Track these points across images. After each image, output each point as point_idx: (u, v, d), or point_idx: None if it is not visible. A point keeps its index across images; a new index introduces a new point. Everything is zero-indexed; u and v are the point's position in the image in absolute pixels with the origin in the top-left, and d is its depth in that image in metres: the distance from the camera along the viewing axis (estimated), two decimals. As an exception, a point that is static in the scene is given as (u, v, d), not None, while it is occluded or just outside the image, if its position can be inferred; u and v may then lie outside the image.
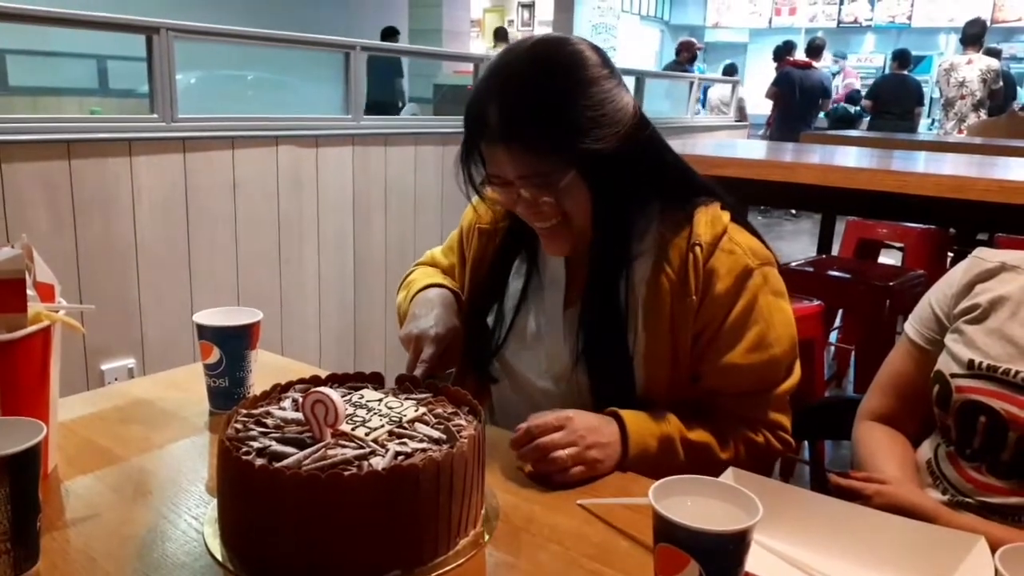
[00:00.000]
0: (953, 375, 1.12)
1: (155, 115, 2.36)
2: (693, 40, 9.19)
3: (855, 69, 12.60)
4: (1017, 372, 1.05)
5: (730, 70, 9.56)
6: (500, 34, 8.84)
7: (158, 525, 0.89)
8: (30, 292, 0.92)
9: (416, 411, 0.91)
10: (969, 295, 1.17)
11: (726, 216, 1.14)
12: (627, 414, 1.07)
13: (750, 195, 2.72)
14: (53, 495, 0.95)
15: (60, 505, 0.93)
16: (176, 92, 2.37)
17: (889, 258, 4.07)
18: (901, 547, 0.87)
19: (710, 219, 1.12)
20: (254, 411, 0.91)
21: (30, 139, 2.09)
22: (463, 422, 0.91)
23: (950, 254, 3.74)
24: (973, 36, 6.54)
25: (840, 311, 3.41)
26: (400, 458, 0.81)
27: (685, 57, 8.55)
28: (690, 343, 1.11)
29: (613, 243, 1.12)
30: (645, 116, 1.12)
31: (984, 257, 1.18)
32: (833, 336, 3.46)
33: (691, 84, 5.56)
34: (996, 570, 0.66)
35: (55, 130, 2.15)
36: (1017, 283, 1.12)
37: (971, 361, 1.10)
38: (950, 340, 1.16)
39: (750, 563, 0.70)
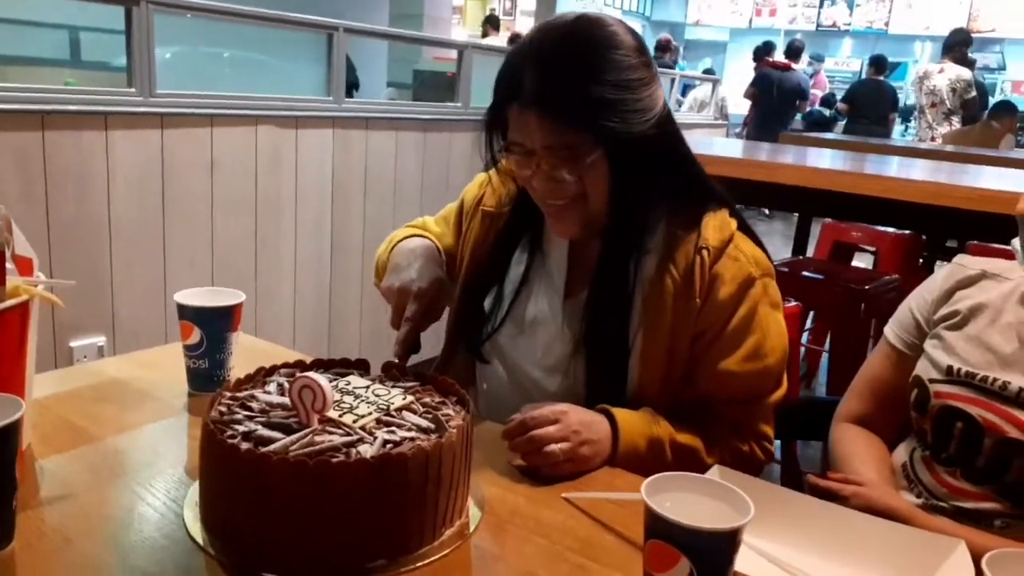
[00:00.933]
0: (932, 380, 1.13)
1: (133, 89, 2.31)
2: (671, 38, 9.22)
3: (832, 73, 12.74)
4: (995, 379, 1.07)
5: (708, 72, 9.65)
6: (492, 21, 8.80)
7: (135, 507, 0.88)
8: (8, 265, 0.89)
9: (404, 399, 0.90)
10: (949, 301, 1.18)
11: (733, 223, 1.15)
12: (619, 413, 1.07)
13: (730, 193, 2.73)
14: (28, 474, 0.92)
15: (35, 484, 0.91)
16: (155, 66, 2.32)
17: (862, 262, 4.12)
18: (883, 548, 0.88)
19: (718, 224, 1.13)
20: (239, 394, 0.90)
21: (2, 108, 2.03)
22: (451, 412, 0.90)
23: (920, 259, 3.80)
24: (950, 45, 6.62)
25: (811, 313, 3.45)
26: (389, 446, 0.80)
27: (670, 58, 8.58)
28: (688, 345, 1.11)
29: (628, 231, 1.13)
30: (671, 113, 1.13)
31: (965, 264, 1.20)
32: (804, 337, 3.50)
33: (672, 81, 5.58)
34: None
35: (29, 100, 2.09)
36: (997, 291, 1.14)
37: (950, 367, 1.11)
38: (929, 345, 1.17)
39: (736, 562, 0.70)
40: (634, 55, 1.06)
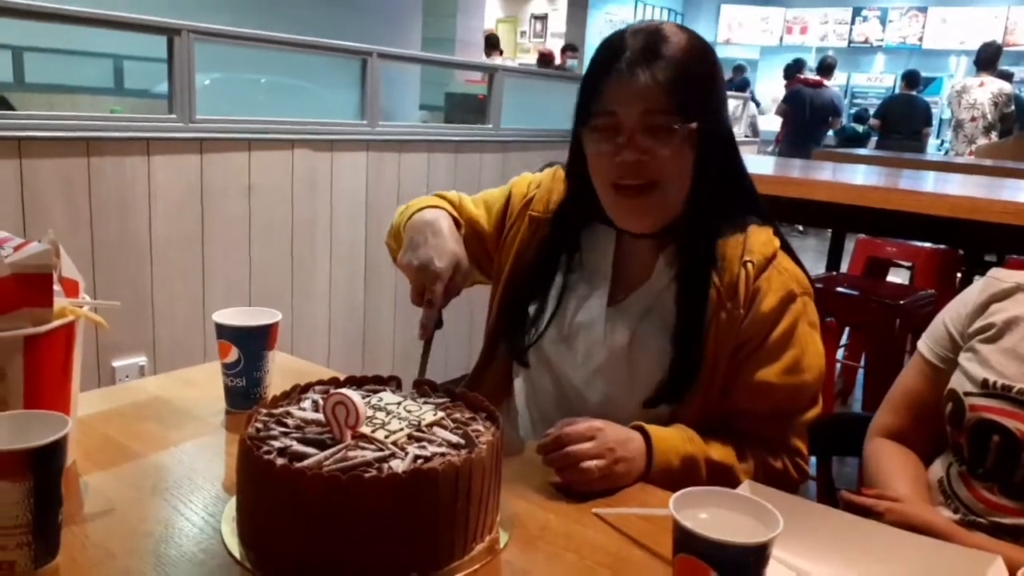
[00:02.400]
0: (967, 394, 1.12)
1: (173, 115, 2.37)
2: None
3: (864, 89, 12.61)
4: None
5: (740, 70, 9.74)
6: (492, 41, 8.93)
7: (175, 522, 0.90)
8: (56, 288, 0.93)
9: (435, 415, 0.92)
10: (984, 315, 1.17)
11: (777, 241, 1.17)
12: (654, 430, 1.07)
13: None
14: (72, 490, 0.95)
15: (79, 500, 0.94)
16: (195, 93, 2.39)
17: (897, 277, 4.06)
18: (917, 565, 0.87)
19: (764, 239, 1.15)
20: (274, 411, 0.92)
21: (50, 135, 2.11)
22: (481, 427, 0.92)
23: (959, 274, 3.74)
24: (987, 59, 6.54)
25: (847, 328, 3.41)
26: (420, 461, 0.82)
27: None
28: (728, 357, 1.12)
29: (701, 233, 1.14)
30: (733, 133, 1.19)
31: (1000, 277, 1.18)
32: (839, 353, 3.46)
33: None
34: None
35: (75, 127, 2.17)
36: None
37: (985, 380, 1.10)
38: (964, 359, 1.16)
39: (767, 576, 0.70)
40: (712, 55, 1.14)
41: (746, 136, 6.74)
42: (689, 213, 1.14)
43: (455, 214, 1.27)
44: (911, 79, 7.89)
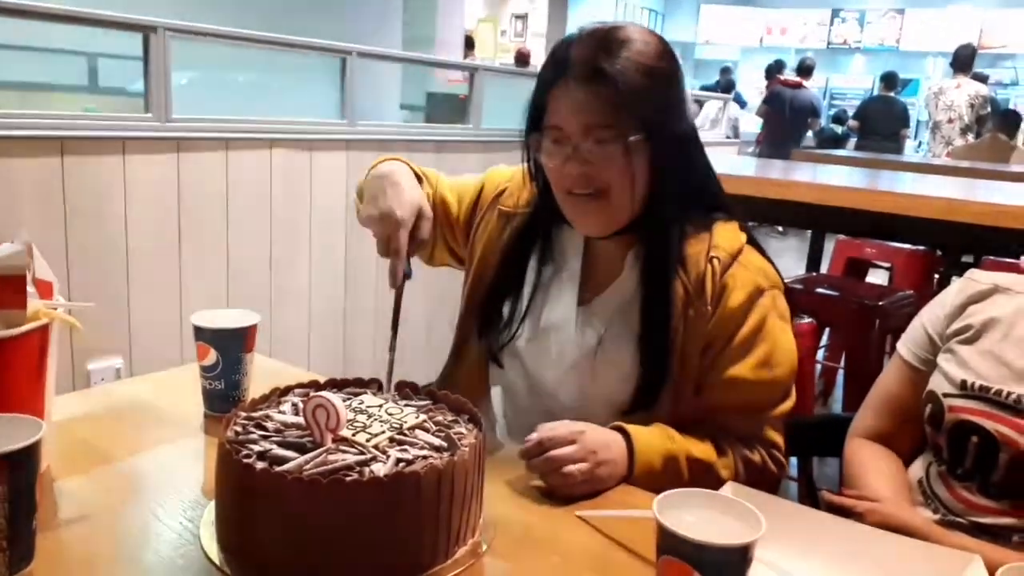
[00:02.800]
0: (946, 395, 1.13)
1: (150, 114, 2.34)
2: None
3: (843, 90, 12.72)
4: (1009, 393, 1.07)
5: (725, 72, 9.83)
6: (468, 42, 8.95)
7: (152, 527, 0.89)
8: (30, 289, 0.91)
9: (416, 418, 0.91)
10: (962, 316, 1.18)
11: (743, 236, 1.17)
12: (635, 431, 1.07)
13: (742, 210, 2.73)
14: (46, 495, 0.93)
15: (53, 505, 0.92)
16: (171, 92, 2.36)
17: (876, 278, 4.10)
18: (899, 564, 0.88)
19: (729, 235, 1.16)
20: (254, 414, 0.91)
21: (23, 135, 2.07)
22: (463, 430, 0.91)
23: (936, 275, 3.78)
24: (963, 61, 6.62)
25: (827, 329, 3.44)
26: (401, 465, 0.81)
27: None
28: (698, 354, 1.12)
29: (656, 233, 1.14)
30: (695, 127, 1.17)
31: (977, 279, 1.19)
32: (820, 354, 3.48)
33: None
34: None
35: (49, 126, 2.13)
36: (1010, 305, 1.14)
37: (964, 381, 1.11)
38: (943, 360, 1.17)
39: (750, 577, 0.70)
40: (668, 56, 1.11)
41: (727, 137, 6.77)
42: (648, 213, 1.14)
43: (422, 176, 1.27)
44: (889, 80, 7.97)
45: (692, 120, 1.15)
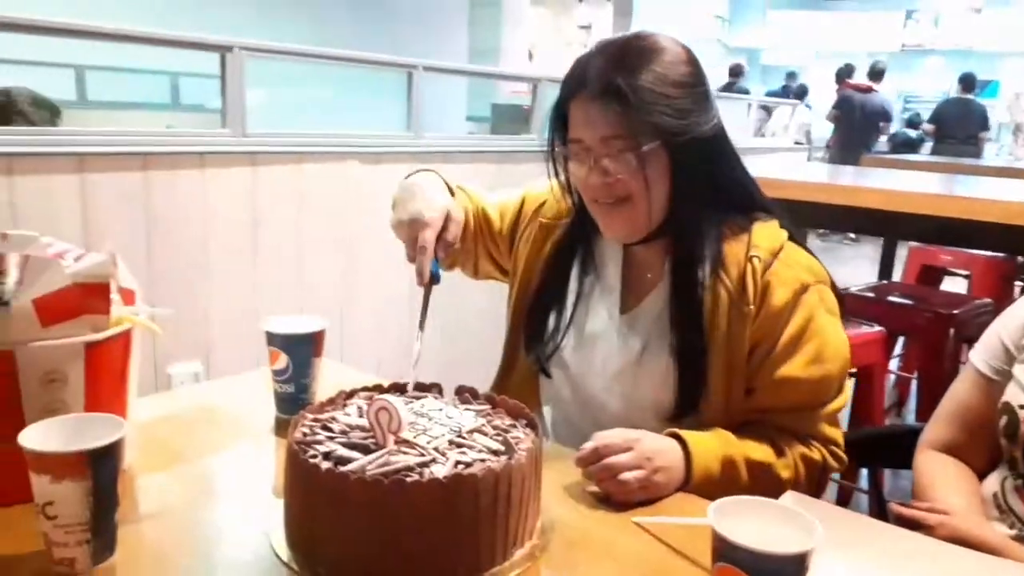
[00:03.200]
0: (1022, 406, 1.09)
1: (227, 130, 2.44)
2: (741, 63, 9.43)
3: (917, 94, 12.31)
4: None
5: (791, 77, 9.69)
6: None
7: (225, 524, 0.93)
8: (114, 296, 0.97)
9: (475, 421, 0.93)
10: None
11: (784, 234, 1.16)
12: (690, 436, 1.07)
13: (810, 217, 2.68)
14: (128, 490, 0.98)
15: (134, 500, 0.97)
16: (246, 108, 2.45)
17: (953, 285, 3.96)
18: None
19: (769, 233, 1.15)
20: (320, 416, 0.94)
21: (110, 151, 2.18)
22: (521, 434, 0.93)
23: (1018, 283, 3.63)
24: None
25: (901, 339, 3.33)
26: (460, 467, 0.83)
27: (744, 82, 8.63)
28: (746, 355, 1.12)
29: (684, 238, 1.14)
30: (725, 129, 1.16)
31: None
32: (894, 364, 3.38)
33: (748, 106, 5.53)
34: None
35: (132, 143, 2.24)
36: None
37: None
38: (1019, 370, 1.13)
39: (808, 587, 0.70)
40: (687, 62, 1.11)
41: (796, 143, 6.64)
42: (676, 216, 1.14)
43: (454, 189, 1.30)
44: (967, 82, 7.69)
45: (718, 122, 1.13)
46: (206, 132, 2.47)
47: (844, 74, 8.20)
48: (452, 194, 1.27)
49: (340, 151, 2.74)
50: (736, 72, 9.11)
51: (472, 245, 1.36)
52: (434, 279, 1.15)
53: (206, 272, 2.44)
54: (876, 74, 7.99)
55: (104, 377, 0.95)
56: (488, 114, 6.86)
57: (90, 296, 0.93)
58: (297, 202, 2.63)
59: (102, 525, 0.81)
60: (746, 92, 8.21)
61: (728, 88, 8.46)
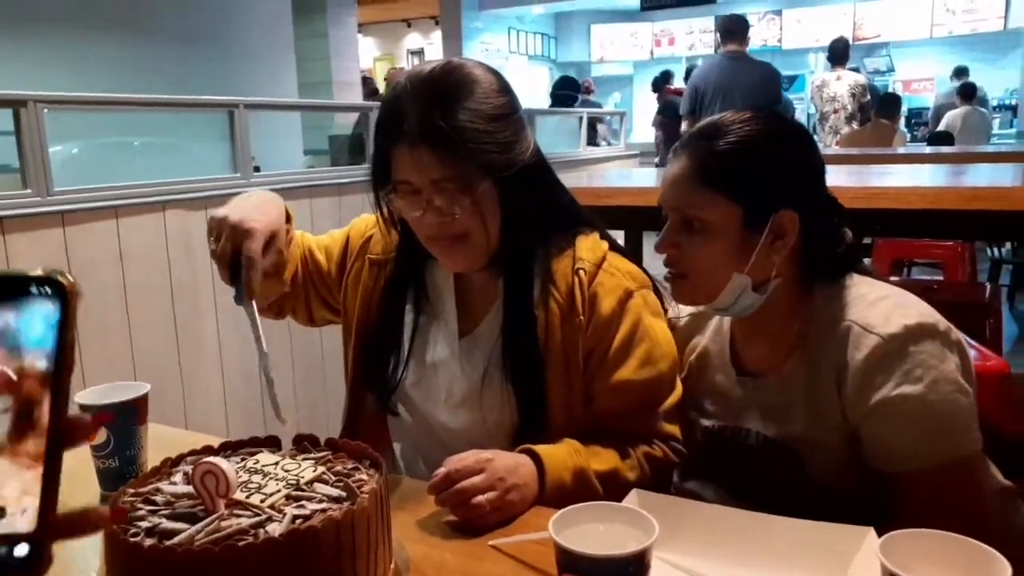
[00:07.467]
0: None
1: (28, 190, 2.26)
2: (590, 81, 9.70)
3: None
4: None
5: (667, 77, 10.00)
6: (371, 87, 8.98)
7: (46, 624, 0.84)
8: None
9: (315, 471, 0.89)
10: None
11: (605, 244, 1.20)
12: (543, 450, 1.07)
13: (650, 222, 2.77)
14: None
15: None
16: (50, 165, 2.28)
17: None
18: (797, 547, 0.90)
19: (591, 245, 1.18)
20: (142, 489, 0.87)
21: None
22: (364, 476, 0.89)
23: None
24: (839, 54, 6.96)
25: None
26: (298, 521, 0.79)
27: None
28: (581, 364, 1.14)
29: (519, 261, 1.16)
30: (540, 149, 1.18)
31: None
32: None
33: (580, 119, 5.73)
34: (881, 564, 0.69)
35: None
36: None
37: None
38: None
39: (654, 582, 0.71)
40: (500, 91, 1.11)
41: (625, 150, 6.93)
42: (508, 243, 1.15)
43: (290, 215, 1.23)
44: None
45: (535, 145, 1.16)
46: (5, 194, 2.27)
47: (661, 81, 8.63)
48: (288, 221, 1.21)
49: (162, 200, 2.60)
50: (583, 88, 9.16)
51: (301, 289, 1.31)
52: (252, 294, 1.08)
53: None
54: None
55: None
56: (327, 147, 6.74)
57: None
58: (118, 259, 2.47)
59: None
60: (598, 106, 8.43)
61: (580, 104, 8.54)
